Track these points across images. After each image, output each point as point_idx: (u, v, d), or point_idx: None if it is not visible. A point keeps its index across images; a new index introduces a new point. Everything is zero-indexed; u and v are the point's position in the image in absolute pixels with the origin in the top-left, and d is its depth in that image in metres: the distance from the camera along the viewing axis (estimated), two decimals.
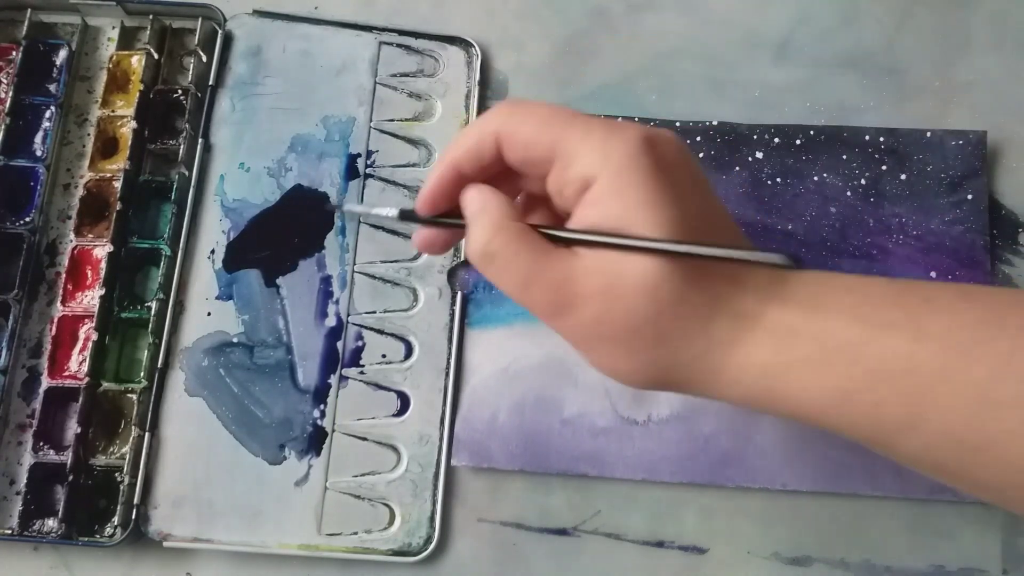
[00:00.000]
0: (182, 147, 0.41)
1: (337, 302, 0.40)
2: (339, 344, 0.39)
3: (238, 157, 0.42)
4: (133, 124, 0.41)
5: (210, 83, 0.42)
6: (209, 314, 0.40)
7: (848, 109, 0.42)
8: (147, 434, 0.38)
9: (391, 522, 0.37)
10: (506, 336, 0.39)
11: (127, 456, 0.37)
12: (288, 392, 0.39)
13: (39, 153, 0.41)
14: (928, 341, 0.25)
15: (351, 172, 0.42)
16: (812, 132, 0.41)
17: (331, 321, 0.40)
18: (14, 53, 0.42)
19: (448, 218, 0.30)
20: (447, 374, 0.39)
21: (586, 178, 0.27)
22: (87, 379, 0.38)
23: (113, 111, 0.42)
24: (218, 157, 0.42)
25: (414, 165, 0.42)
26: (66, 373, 0.38)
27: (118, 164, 0.41)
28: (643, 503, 0.38)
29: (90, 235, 0.40)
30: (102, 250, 0.40)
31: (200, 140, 0.41)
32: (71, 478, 0.37)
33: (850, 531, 0.37)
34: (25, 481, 0.37)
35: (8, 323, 0.39)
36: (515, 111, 0.28)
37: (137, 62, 0.42)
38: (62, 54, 0.42)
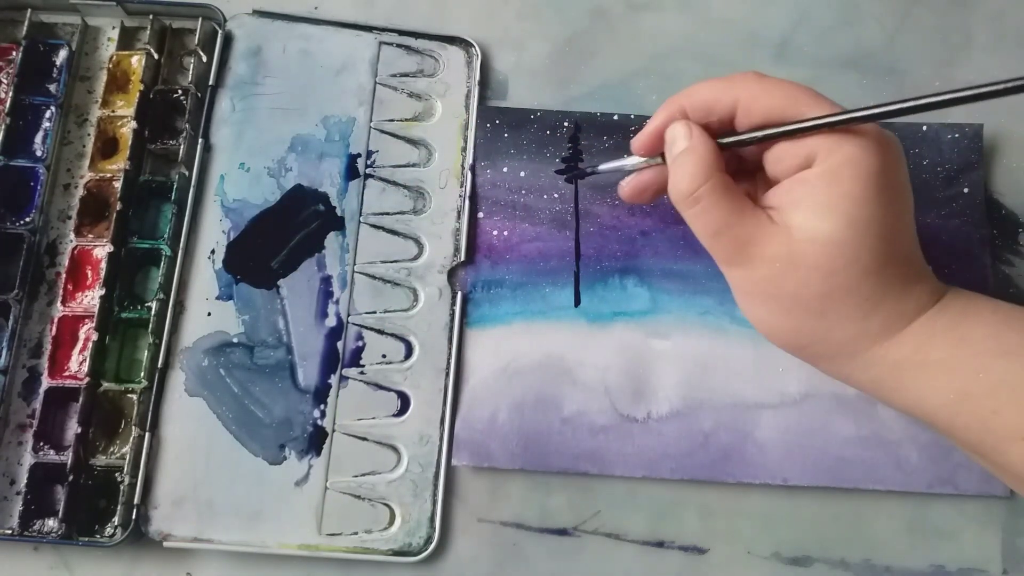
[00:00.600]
0: (182, 147, 0.41)
1: (337, 302, 0.40)
2: (339, 344, 0.39)
3: (238, 157, 0.42)
4: (133, 124, 0.41)
5: (210, 83, 0.42)
6: (209, 314, 0.40)
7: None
8: (147, 434, 0.38)
9: (391, 522, 0.37)
10: (505, 335, 0.39)
11: (127, 456, 0.37)
12: (288, 392, 0.39)
13: (39, 153, 0.41)
14: None
15: (351, 172, 0.42)
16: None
17: (331, 321, 0.40)
18: (14, 53, 0.42)
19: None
20: (447, 374, 0.39)
21: (809, 156, 0.29)
22: (87, 379, 0.38)
23: (113, 111, 0.42)
24: (218, 157, 0.42)
25: (414, 165, 0.42)
26: (66, 373, 0.38)
27: (118, 164, 0.41)
28: (643, 503, 0.38)
29: (90, 235, 0.40)
30: (102, 250, 0.40)
31: (200, 140, 0.41)
32: (71, 478, 0.37)
33: (850, 531, 0.37)
34: (25, 481, 0.37)
35: (8, 323, 0.39)
36: (763, 83, 0.30)
37: (137, 62, 0.42)
38: (62, 54, 0.42)
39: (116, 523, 0.37)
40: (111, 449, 0.38)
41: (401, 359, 0.39)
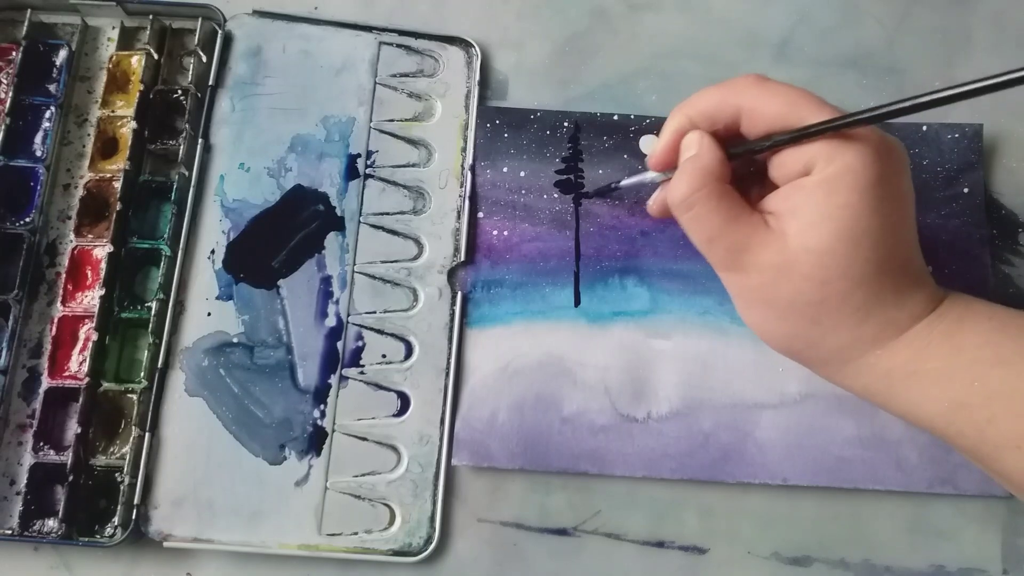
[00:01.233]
0: (182, 147, 0.41)
1: (337, 302, 0.40)
2: (339, 344, 0.39)
3: (238, 157, 0.42)
4: (133, 124, 0.41)
5: (210, 83, 0.42)
6: (209, 314, 0.40)
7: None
8: (147, 434, 0.38)
9: (391, 522, 0.37)
10: (505, 335, 0.39)
11: (127, 456, 0.37)
12: (288, 392, 0.39)
13: (39, 153, 0.41)
14: None
15: (351, 172, 0.42)
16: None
17: (331, 321, 0.40)
18: (14, 53, 0.42)
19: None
20: (447, 374, 0.39)
21: (809, 164, 0.29)
22: (87, 379, 0.38)
23: (113, 111, 0.42)
24: (218, 157, 0.42)
25: (414, 165, 0.42)
26: (66, 373, 0.38)
27: (118, 164, 0.41)
28: (643, 503, 0.38)
29: (90, 235, 0.40)
30: (102, 250, 0.40)
31: (200, 140, 0.41)
32: (71, 478, 0.37)
33: (850, 531, 0.37)
34: (25, 481, 0.37)
35: (8, 323, 0.39)
36: (763, 88, 0.30)
37: (137, 62, 0.42)
38: (62, 54, 0.42)
39: (116, 523, 0.37)
40: (111, 449, 0.38)
41: (401, 359, 0.39)
